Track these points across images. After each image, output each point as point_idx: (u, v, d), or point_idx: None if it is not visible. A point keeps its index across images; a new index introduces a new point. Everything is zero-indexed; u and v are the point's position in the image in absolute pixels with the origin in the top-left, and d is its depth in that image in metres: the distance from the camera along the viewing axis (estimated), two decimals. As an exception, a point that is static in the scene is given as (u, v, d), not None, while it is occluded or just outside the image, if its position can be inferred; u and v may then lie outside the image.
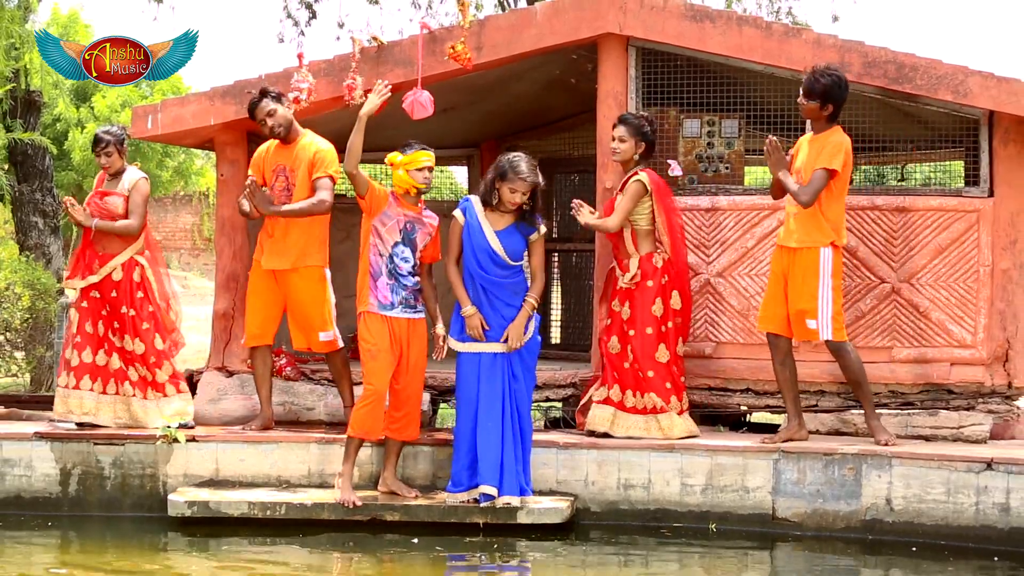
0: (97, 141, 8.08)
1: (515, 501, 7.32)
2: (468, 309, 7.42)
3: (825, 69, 7.47)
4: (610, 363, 7.86)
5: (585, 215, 7.80)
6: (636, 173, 7.79)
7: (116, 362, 8.04)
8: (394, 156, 7.46)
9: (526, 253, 7.50)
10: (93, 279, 8.06)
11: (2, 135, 13.00)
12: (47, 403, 9.34)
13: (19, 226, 13.60)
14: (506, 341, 7.40)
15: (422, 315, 7.56)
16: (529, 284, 7.56)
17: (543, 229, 7.53)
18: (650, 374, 7.75)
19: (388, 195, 7.48)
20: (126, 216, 8.09)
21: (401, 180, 7.44)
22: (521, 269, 7.48)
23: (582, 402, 8.14)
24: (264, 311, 8.01)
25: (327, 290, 7.99)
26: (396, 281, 7.44)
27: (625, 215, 7.74)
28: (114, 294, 8.05)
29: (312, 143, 7.91)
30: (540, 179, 7.43)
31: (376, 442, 7.64)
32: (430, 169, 7.47)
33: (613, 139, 7.86)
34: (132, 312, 8.04)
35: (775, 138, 7.50)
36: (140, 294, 8.08)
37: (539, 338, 7.62)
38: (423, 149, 7.45)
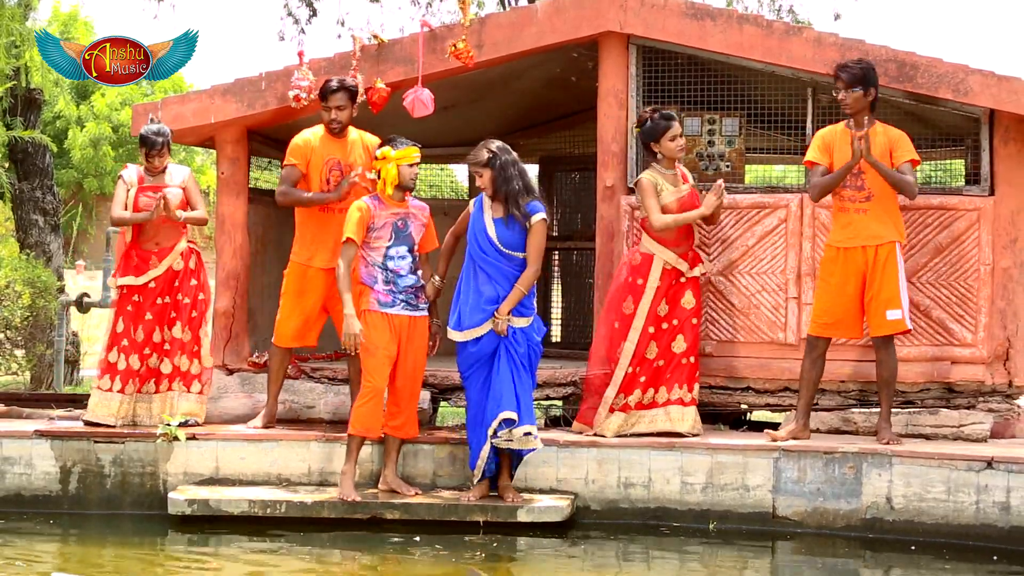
0: (152, 144, 8.02)
1: (534, 431, 7.29)
2: (436, 280, 7.53)
3: (852, 60, 7.57)
4: (643, 368, 7.79)
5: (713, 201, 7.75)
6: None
7: (154, 361, 8.06)
8: (387, 150, 7.42)
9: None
10: (155, 272, 8.05)
11: (2, 133, 12.98)
12: (47, 401, 9.35)
13: (19, 224, 13.57)
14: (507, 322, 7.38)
15: (424, 313, 7.55)
16: None
17: (536, 218, 7.34)
18: (693, 360, 7.82)
19: (369, 210, 7.41)
20: (184, 208, 8.12)
21: (391, 175, 7.42)
22: (523, 261, 7.44)
23: (583, 408, 8.00)
24: (306, 313, 7.99)
25: None
26: (395, 285, 7.43)
27: None
28: (176, 283, 8.09)
29: (361, 136, 8.04)
30: (481, 157, 7.33)
31: (376, 440, 7.64)
32: (417, 165, 7.49)
33: (675, 138, 7.78)
34: (187, 300, 8.09)
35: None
36: (194, 281, 8.13)
37: (541, 336, 7.59)
38: (412, 145, 7.46)
